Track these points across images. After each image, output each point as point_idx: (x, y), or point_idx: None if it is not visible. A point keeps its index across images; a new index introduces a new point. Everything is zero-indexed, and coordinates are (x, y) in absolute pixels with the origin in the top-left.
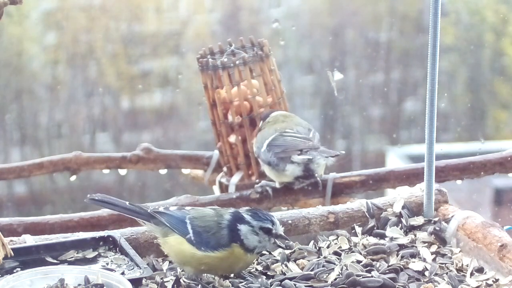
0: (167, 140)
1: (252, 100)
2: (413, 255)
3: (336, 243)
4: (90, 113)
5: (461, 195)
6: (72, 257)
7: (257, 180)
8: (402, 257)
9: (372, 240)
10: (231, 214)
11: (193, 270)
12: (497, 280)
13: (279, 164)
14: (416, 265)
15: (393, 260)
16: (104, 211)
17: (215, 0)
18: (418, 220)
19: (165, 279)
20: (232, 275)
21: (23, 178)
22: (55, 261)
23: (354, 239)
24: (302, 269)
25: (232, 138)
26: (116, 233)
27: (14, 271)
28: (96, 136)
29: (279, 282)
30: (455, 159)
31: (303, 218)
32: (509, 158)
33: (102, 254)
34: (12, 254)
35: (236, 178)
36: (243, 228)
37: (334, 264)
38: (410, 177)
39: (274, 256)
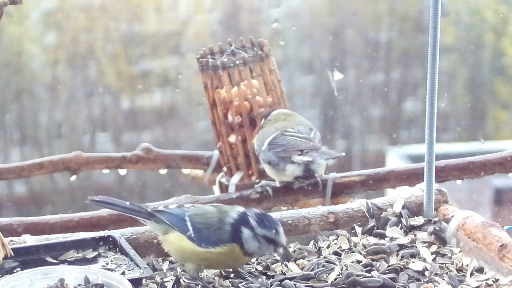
0: (167, 140)
1: (252, 100)
2: (413, 255)
3: (336, 243)
4: (90, 113)
5: (461, 195)
6: (72, 257)
7: (257, 180)
8: (402, 257)
9: (372, 240)
10: (238, 214)
11: (194, 267)
12: (497, 280)
13: (279, 163)
14: (416, 265)
15: (393, 260)
16: (104, 211)
17: (215, 0)
18: (418, 220)
19: (165, 279)
20: (232, 275)
21: (23, 178)
22: (55, 261)
23: (354, 239)
24: (302, 269)
25: (232, 138)
26: (116, 233)
27: (14, 271)
28: (96, 136)
29: (279, 282)
30: (455, 159)
31: (303, 218)
32: (509, 158)
33: (102, 254)
34: (12, 254)
35: (236, 178)
36: (246, 232)
37: (334, 264)
38: (410, 177)
39: (274, 256)
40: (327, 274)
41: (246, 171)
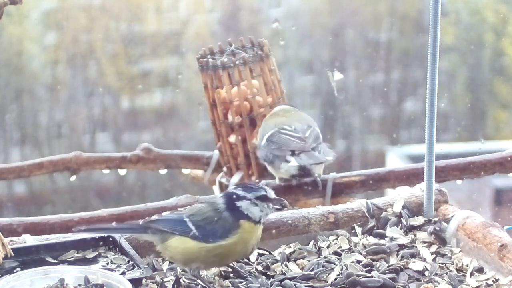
0: (167, 140)
1: (252, 100)
2: (413, 255)
3: (336, 243)
4: (90, 113)
5: (461, 195)
6: (72, 257)
7: (257, 180)
8: (402, 257)
9: (372, 240)
10: (223, 197)
11: (202, 266)
12: (497, 280)
13: (275, 161)
14: (416, 265)
15: (393, 260)
16: (104, 211)
17: (215, 0)
18: (418, 220)
19: (165, 279)
20: (232, 275)
21: (23, 178)
22: (55, 261)
23: (354, 239)
24: (302, 269)
25: (232, 138)
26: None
27: (14, 271)
28: (96, 136)
29: (279, 282)
30: (455, 159)
31: (303, 218)
32: (509, 158)
33: (102, 254)
34: (12, 254)
35: (236, 178)
36: (242, 204)
37: (334, 264)
38: (410, 177)
39: (274, 256)
40: (327, 274)
41: (246, 171)
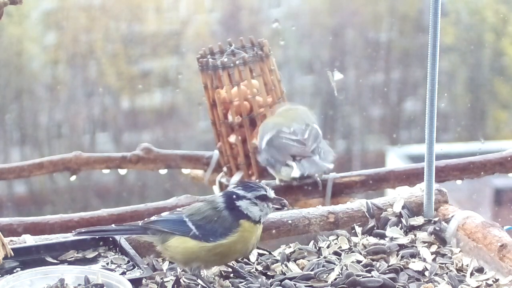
0: (167, 140)
1: (252, 100)
2: (413, 255)
3: (336, 243)
4: (90, 113)
5: (461, 195)
6: (72, 257)
7: (257, 180)
8: (402, 257)
9: (372, 240)
10: (223, 196)
11: (202, 265)
12: (497, 280)
13: (276, 165)
14: (416, 265)
15: (393, 260)
16: (104, 211)
17: (215, 0)
18: (418, 220)
19: (165, 279)
20: (232, 275)
21: (23, 178)
22: (55, 261)
23: (354, 239)
24: (302, 269)
25: (232, 138)
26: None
27: (14, 271)
28: (96, 136)
29: (279, 282)
30: (455, 159)
31: (303, 218)
32: (509, 158)
33: (102, 254)
34: (12, 254)
35: (236, 178)
36: (242, 203)
37: (334, 264)
38: (410, 177)
39: (274, 256)
40: (327, 274)
41: (246, 171)
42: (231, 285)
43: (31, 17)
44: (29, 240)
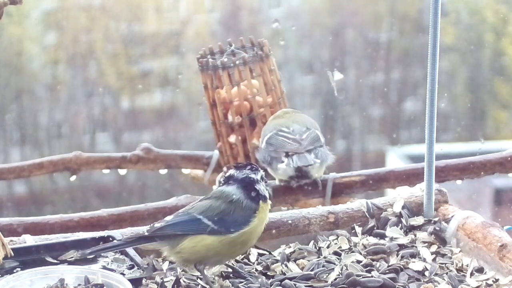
0: (167, 140)
1: (252, 100)
2: (413, 255)
3: (336, 243)
4: (90, 113)
5: (461, 195)
6: (72, 257)
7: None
8: (402, 257)
9: (372, 240)
10: (237, 186)
11: (219, 259)
12: (497, 280)
13: (272, 163)
14: (416, 265)
15: (393, 260)
16: (104, 211)
17: (215, 0)
18: (418, 220)
19: (165, 279)
20: (232, 275)
21: (23, 178)
22: (55, 261)
23: (354, 239)
24: (302, 269)
25: (232, 138)
26: (116, 233)
27: (14, 271)
28: (96, 136)
29: (279, 282)
30: (455, 159)
31: (303, 218)
32: (509, 158)
33: (102, 254)
34: (12, 254)
35: None
36: (259, 187)
37: (334, 264)
38: (410, 177)
39: (274, 256)
40: (327, 274)
41: None
42: (231, 285)
43: (31, 17)
44: (29, 240)
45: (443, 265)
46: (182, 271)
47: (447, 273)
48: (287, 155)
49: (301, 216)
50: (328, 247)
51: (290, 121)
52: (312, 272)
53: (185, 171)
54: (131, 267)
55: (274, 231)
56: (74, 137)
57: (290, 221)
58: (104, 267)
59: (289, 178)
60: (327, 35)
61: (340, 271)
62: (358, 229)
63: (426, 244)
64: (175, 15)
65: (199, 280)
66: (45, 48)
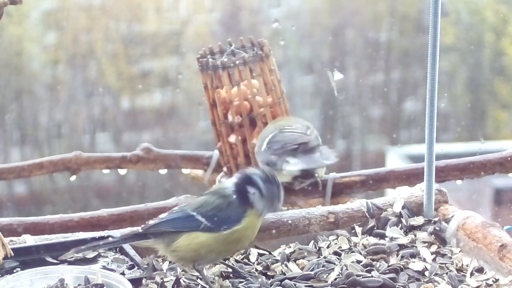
0: (167, 140)
1: (252, 100)
2: (413, 255)
3: (336, 243)
4: (90, 113)
5: (461, 195)
6: (72, 257)
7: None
8: (402, 257)
9: (372, 240)
10: (236, 178)
11: (214, 257)
12: (497, 280)
13: (277, 163)
14: (416, 265)
15: (393, 260)
16: (104, 211)
17: (215, 0)
18: (418, 220)
19: (165, 279)
20: (232, 275)
21: (23, 178)
22: (55, 261)
23: (354, 239)
24: (302, 269)
25: (232, 138)
26: (116, 233)
27: (14, 271)
28: (96, 136)
29: (279, 282)
30: (455, 159)
31: (303, 218)
32: (509, 158)
33: (102, 254)
34: (12, 254)
35: None
36: (251, 190)
37: (334, 264)
38: (410, 177)
39: (274, 256)
40: (327, 274)
41: None
42: (231, 285)
43: (31, 17)
44: (29, 240)
45: (443, 265)
46: (182, 271)
47: (447, 273)
48: (294, 155)
49: (301, 216)
50: (328, 247)
51: (290, 122)
52: (312, 272)
53: (185, 171)
54: (131, 267)
55: (274, 231)
56: (74, 137)
57: (290, 221)
58: (104, 267)
59: (293, 179)
60: (327, 35)
61: (340, 271)
62: (358, 229)
63: (426, 244)
64: (175, 15)
65: (199, 280)
66: (45, 48)
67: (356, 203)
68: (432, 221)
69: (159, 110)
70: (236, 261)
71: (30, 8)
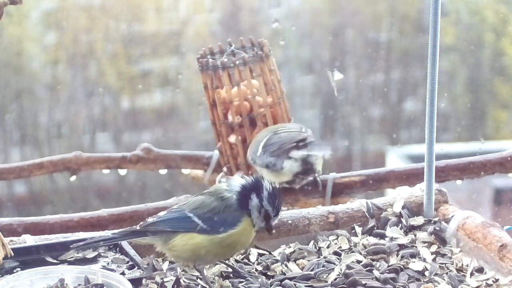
0: (167, 140)
1: (252, 100)
2: (413, 255)
3: (336, 243)
4: (90, 113)
5: (461, 195)
6: (72, 257)
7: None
8: (402, 257)
9: (372, 240)
10: (240, 184)
11: (210, 259)
12: (497, 280)
13: (276, 163)
14: (416, 265)
15: (393, 260)
16: (104, 211)
17: (215, 0)
18: (418, 220)
19: (165, 279)
20: (232, 275)
21: (23, 178)
22: (55, 261)
23: (354, 239)
24: (302, 269)
25: (232, 138)
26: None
27: (14, 271)
28: (96, 136)
29: (279, 282)
30: (455, 159)
31: (303, 218)
32: (509, 158)
33: (102, 254)
34: (12, 254)
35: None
36: (255, 200)
37: (334, 264)
38: (410, 177)
39: (274, 256)
40: (327, 274)
41: (246, 171)
42: (231, 285)
43: (31, 17)
44: (29, 240)
45: (443, 265)
46: (182, 271)
47: (447, 273)
48: (299, 146)
49: (301, 216)
50: (328, 247)
51: (282, 125)
52: (312, 272)
53: (185, 171)
54: (131, 267)
55: (274, 231)
56: (74, 137)
57: (290, 221)
58: (104, 267)
59: (294, 176)
60: (327, 35)
61: (340, 271)
62: (358, 229)
63: (426, 244)
64: (175, 15)
65: (199, 280)
66: (45, 48)
67: (356, 203)
68: (432, 221)
69: (159, 110)
70: (236, 261)
71: (30, 8)
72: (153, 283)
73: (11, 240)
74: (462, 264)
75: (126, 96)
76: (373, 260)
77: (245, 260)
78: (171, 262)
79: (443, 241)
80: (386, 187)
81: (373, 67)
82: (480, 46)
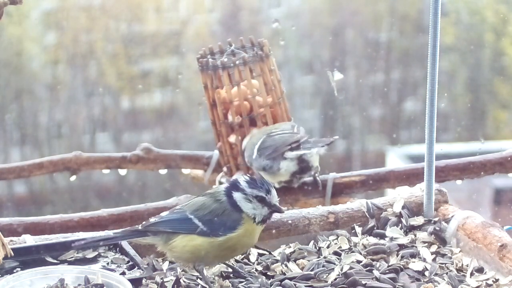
0: (167, 140)
1: (252, 100)
2: (413, 255)
3: (336, 243)
4: (90, 113)
5: (461, 195)
6: (72, 257)
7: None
8: (402, 257)
9: (372, 240)
10: (226, 186)
11: (210, 261)
12: (497, 280)
13: (273, 165)
14: (416, 265)
15: (393, 260)
16: (104, 211)
17: (215, 0)
18: (418, 220)
19: (165, 279)
20: (232, 275)
21: (23, 178)
22: (55, 261)
23: (354, 239)
24: (302, 269)
25: (232, 138)
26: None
27: (14, 271)
28: (96, 136)
29: (279, 282)
30: (455, 159)
31: (303, 218)
32: (509, 158)
33: (102, 254)
34: (12, 254)
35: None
36: (237, 195)
37: (334, 264)
38: (410, 177)
39: (274, 256)
40: (327, 274)
41: (246, 171)
42: (231, 285)
43: (31, 17)
44: (29, 240)
45: (443, 265)
46: (182, 271)
47: (447, 273)
48: (293, 148)
49: (301, 216)
50: (328, 247)
51: (275, 126)
52: (312, 272)
53: (185, 171)
54: (131, 267)
55: (274, 231)
56: (74, 137)
57: (290, 221)
58: (104, 267)
59: (291, 176)
60: (327, 35)
61: (340, 271)
62: (358, 229)
63: (426, 244)
64: (175, 15)
65: (199, 280)
66: (45, 48)
67: (356, 203)
68: (432, 221)
69: (159, 110)
70: (236, 261)
71: (30, 8)
72: (153, 283)
73: (11, 240)
74: (462, 264)
75: (126, 96)
76: (373, 260)
77: (245, 260)
78: (171, 262)
79: (443, 241)
80: (386, 187)
81: (373, 67)
82: (480, 46)
